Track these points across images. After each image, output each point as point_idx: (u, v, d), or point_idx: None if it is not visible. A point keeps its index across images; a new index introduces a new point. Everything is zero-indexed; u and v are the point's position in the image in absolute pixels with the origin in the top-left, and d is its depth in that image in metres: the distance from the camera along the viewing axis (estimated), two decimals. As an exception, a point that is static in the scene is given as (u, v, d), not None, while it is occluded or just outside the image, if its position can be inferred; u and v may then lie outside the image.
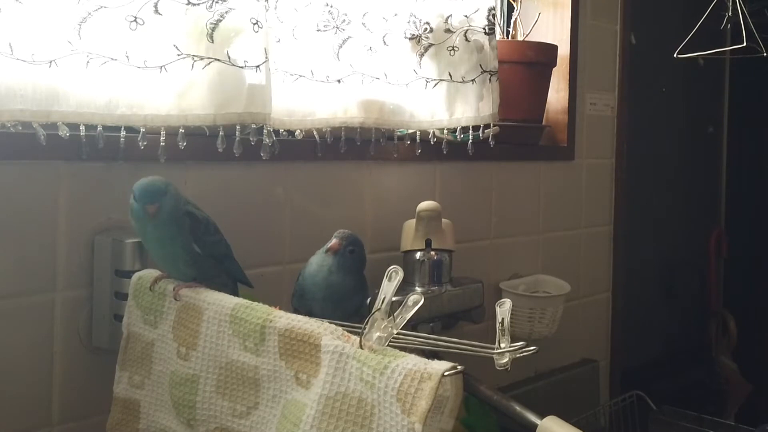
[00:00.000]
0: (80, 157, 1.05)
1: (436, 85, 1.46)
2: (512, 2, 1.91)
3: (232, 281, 1.07)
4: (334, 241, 1.10)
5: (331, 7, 1.30)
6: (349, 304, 1.11)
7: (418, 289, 1.44)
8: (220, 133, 1.11)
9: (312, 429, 0.78)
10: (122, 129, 1.06)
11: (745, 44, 1.93)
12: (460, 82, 1.49)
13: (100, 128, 1.03)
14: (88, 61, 0.99)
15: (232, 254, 1.06)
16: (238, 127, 1.12)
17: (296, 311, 1.12)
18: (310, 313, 1.08)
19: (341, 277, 1.10)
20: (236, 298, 0.93)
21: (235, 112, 1.09)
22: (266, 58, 1.12)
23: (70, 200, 1.08)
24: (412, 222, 1.45)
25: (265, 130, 1.16)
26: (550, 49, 1.84)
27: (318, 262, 1.11)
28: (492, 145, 1.57)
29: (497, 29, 1.69)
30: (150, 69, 1.03)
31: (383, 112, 1.39)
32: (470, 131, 1.52)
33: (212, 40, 1.07)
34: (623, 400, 1.95)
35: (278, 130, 1.25)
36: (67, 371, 1.09)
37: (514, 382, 1.78)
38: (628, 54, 2.15)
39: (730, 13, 2.02)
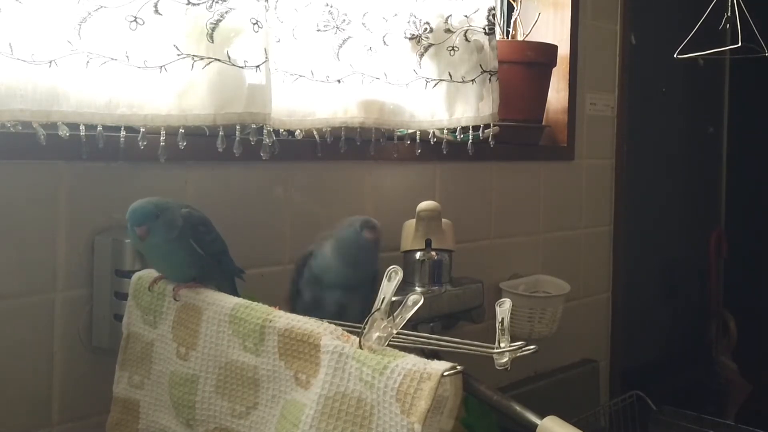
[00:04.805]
0: (80, 157, 1.05)
1: (436, 85, 1.46)
2: (512, 2, 1.91)
3: (230, 280, 1.07)
4: (368, 234, 1.08)
5: (331, 7, 1.30)
6: (368, 289, 1.09)
7: (418, 289, 1.44)
8: (220, 133, 1.11)
9: (311, 429, 0.78)
10: (122, 129, 1.05)
11: (740, 44, 1.93)
12: (460, 82, 1.49)
13: (100, 128, 1.03)
14: (88, 61, 0.99)
15: (227, 249, 1.06)
16: (238, 127, 1.12)
17: (294, 304, 1.12)
18: (319, 300, 1.08)
19: (372, 263, 1.10)
20: (236, 298, 0.93)
21: (235, 112, 1.09)
22: (266, 58, 1.12)
23: (70, 200, 1.08)
24: (412, 222, 1.45)
25: (265, 130, 1.16)
26: (550, 49, 1.84)
27: (350, 240, 1.09)
28: (492, 145, 1.57)
29: (497, 29, 1.68)
30: (150, 69, 1.03)
31: (383, 112, 1.39)
32: (470, 131, 1.52)
33: (212, 40, 1.07)
34: (623, 401, 1.95)
35: (278, 130, 1.25)
36: (67, 371, 1.09)
37: (514, 382, 1.78)
38: (628, 54, 2.15)
39: (729, 13, 2.02)
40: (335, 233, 1.10)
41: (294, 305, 1.13)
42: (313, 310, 1.07)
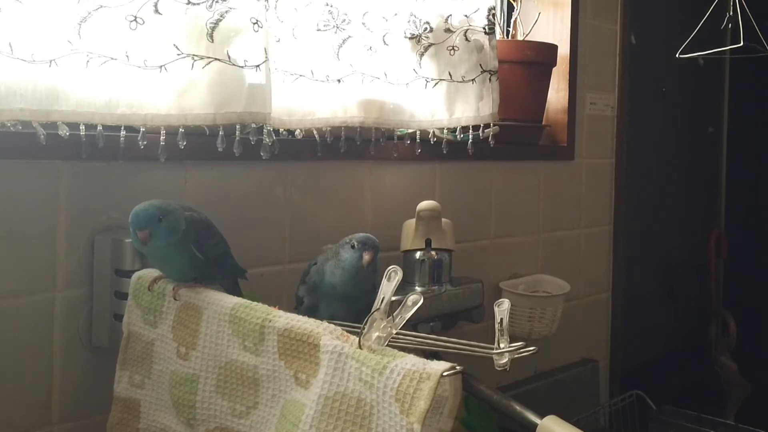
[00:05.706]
0: (80, 156, 1.05)
1: (436, 84, 1.46)
2: (512, 2, 1.91)
3: (232, 280, 1.07)
4: (366, 257, 1.05)
5: (331, 6, 1.30)
6: (364, 302, 1.08)
7: (418, 288, 1.44)
8: (220, 133, 1.11)
9: (311, 429, 0.78)
10: (122, 128, 1.05)
11: (742, 44, 1.93)
12: (460, 82, 1.49)
13: (100, 128, 1.03)
14: (88, 61, 0.99)
15: (229, 250, 1.06)
16: (237, 126, 1.12)
17: (300, 302, 1.11)
18: (315, 308, 1.08)
19: (370, 280, 1.08)
20: (235, 297, 0.93)
21: (234, 112, 1.09)
22: (266, 57, 1.12)
23: (70, 200, 1.08)
24: (412, 222, 1.45)
25: (265, 130, 1.16)
26: (550, 49, 1.84)
27: (350, 262, 1.06)
28: (492, 145, 1.57)
29: (497, 29, 1.68)
30: (150, 68, 1.03)
31: (383, 112, 1.39)
32: (470, 131, 1.52)
33: (212, 40, 1.07)
34: (623, 400, 1.95)
35: (278, 130, 1.25)
36: (67, 371, 1.09)
37: (514, 382, 1.78)
38: (628, 54, 2.15)
39: (731, 13, 2.02)
40: (337, 254, 1.08)
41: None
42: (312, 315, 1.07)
